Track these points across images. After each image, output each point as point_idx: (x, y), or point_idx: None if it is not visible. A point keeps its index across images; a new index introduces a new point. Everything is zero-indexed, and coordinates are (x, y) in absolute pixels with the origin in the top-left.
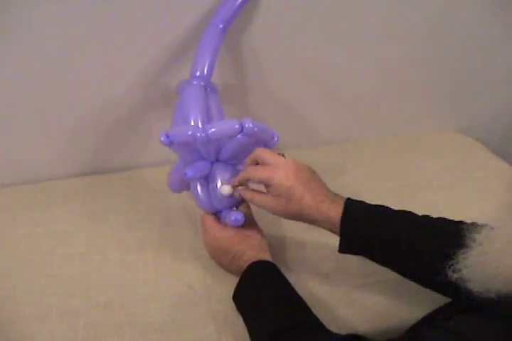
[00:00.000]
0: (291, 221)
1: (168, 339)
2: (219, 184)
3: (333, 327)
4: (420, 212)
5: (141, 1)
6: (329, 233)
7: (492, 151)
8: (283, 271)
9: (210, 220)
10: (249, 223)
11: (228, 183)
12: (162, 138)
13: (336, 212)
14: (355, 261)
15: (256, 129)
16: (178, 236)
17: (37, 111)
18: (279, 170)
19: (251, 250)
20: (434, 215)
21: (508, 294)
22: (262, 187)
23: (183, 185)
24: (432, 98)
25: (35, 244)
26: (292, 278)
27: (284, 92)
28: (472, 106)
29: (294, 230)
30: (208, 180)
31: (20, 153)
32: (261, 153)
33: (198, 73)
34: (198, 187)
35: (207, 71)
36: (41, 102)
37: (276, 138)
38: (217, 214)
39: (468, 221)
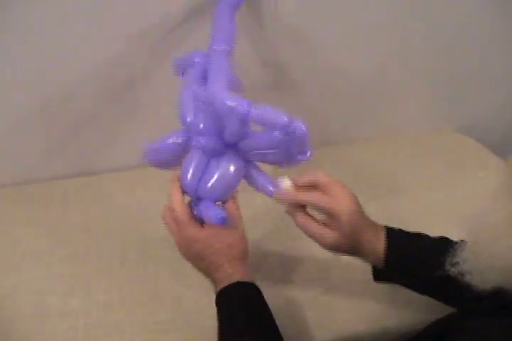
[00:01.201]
0: (292, 221)
1: (168, 339)
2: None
3: (333, 328)
4: (420, 212)
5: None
6: None
7: (492, 151)
8: (283, 269)
9: (186, 214)
10: (235, 227)
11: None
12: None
13: (379, 241)
14: (354, 262)
15: (299, 133)
16: None
17: (38, 111)
18: (347, 203)
19: (229, 264)
20: (434, 215)
21: (503, 286)
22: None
23: (165, 159)
24: (432, 98)
25: (35, 244)
26: (292, 278)
27: (283, 92)
28: (472, 106)
29: (295, 230)
30: (211, 159)
31: (20, 153)
32: (322, 177)
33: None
34: (193, 162)
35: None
36: (42, 101)
37: (308, 154)
38: (189, 203)
39: (468, 220)
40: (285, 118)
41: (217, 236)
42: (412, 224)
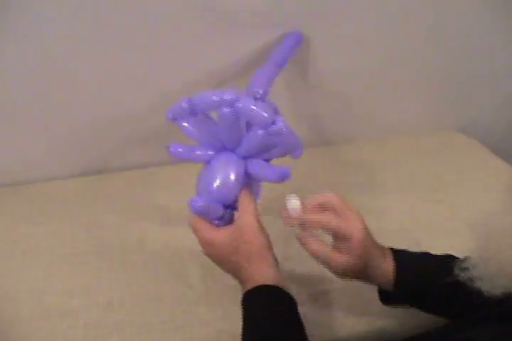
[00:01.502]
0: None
1: (168, 339)
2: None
3: (333, 328)
4: (420, 212)
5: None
6: (329, 236)
7: (492, 151)
8: (282, 269)
9: (198, 220)
10: (248, 224)
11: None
12: (183, 104)
13: (387, 263)
14: None
15: (284, 130)
16: (178, 236)
17: (38, 111)
18: (359, 224)
19: (250, 263)
20: (434, 215)
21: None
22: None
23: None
24: (432, 98)
25: (35, 244)
26: (292, 278)
27: (283, 92)
28: (472, 106)
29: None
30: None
31: (20, 153)
32: (334, 199)
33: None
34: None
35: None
36: (42, 102)
37: (300, 150)
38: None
39: (468, 220)
40: (266, 115)
41: (231, 236)
42: (412, 224)
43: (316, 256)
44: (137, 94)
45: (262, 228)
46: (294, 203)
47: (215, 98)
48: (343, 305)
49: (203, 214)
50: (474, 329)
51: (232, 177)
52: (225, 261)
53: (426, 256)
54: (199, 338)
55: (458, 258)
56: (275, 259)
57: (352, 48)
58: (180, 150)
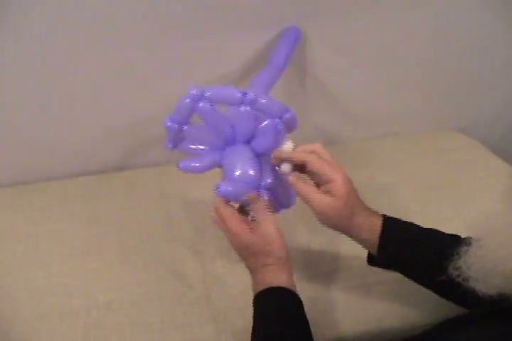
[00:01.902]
0: (290, 224)
1: (168, 339)
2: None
3: (333, 328)
4: (420, 212)
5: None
6: (330, 235)
7: (492, 151)
8: None
9: (229, 211)
10: (270, 234)
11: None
12: (192, 91)
13: (377, 224)
14: (354, 262)
15: (260, 100)
16: (178, 236)
17: (38, 111)
18: (340, 169)
19: (266, 268)
20: (434, 215)
21: (506, 293)
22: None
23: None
24: (432, 98)
25: (35, 244)
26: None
27: (283, 92)
28: (472, 106)
29: (297, 230)
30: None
31: (20, 153)
32: (321, 148)
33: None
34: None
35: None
36: (42, 102)
37: (289, 115)
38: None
39: (468, 220)
40: (238, 94)
41: (253, 239)
42: None
43: (302, 195)
44: (137, 94)
45: (280, 237)
46: (288, 145)
47: (238, 95)
48: (343, 305)
49: (229, 198)
50: (472, 328)
51: (252, 162)
52: (243, 256)
53: (416, 226)
54: (199, 338)
55: (446, 234)
56: (291, 268)
57: (351, 48)
58: (191, 164)
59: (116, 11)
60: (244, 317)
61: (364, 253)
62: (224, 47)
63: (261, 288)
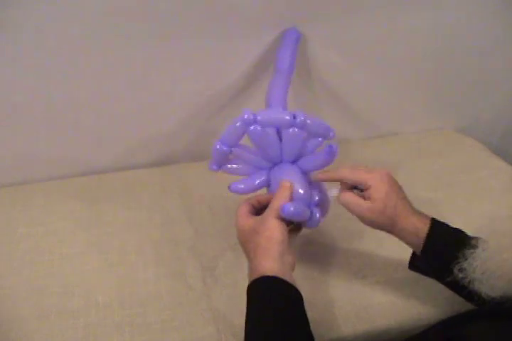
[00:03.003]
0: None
1: (168, 339)
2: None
3: (334, 327)
4: None
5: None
6: (330, 235)
7: (492, 151)
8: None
9: (242, 207)
10: (267, 218)
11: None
12: (245, 116)
13: (424, 226)
14: (355, 261)
15: (309, 122)
16: (178, 236)
17: (38, 111)
18: (375, 174)
19: (255, 254)
20: (434, 215)
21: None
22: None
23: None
24: (431, 98)
25: (35, 244)
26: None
27: None
28: (472, 106)
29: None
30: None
31: (20, 153)
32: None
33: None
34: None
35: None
36: (42, 102)
37: (332, 134)
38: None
39: (469, 220)
40: (287, 117)
41: (253, 224)
42: None
43: (346, 204)
44: (137, 95)
45: (281, 224)
46: (334, 190)
47: (288, 117)
48: (343, 305)
49: (293, 217)
50: (469, 325)
51: (303, 180)
52: (242, 247)
53: (463, 233)
54: (199, 338)
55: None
56: (283, 254)
57: (351, 48)
58: (241, 186)
59: (116, 11)
60: (244, 317)
61: (364, 252)
62: (224, 47)
63: (253, 277)
